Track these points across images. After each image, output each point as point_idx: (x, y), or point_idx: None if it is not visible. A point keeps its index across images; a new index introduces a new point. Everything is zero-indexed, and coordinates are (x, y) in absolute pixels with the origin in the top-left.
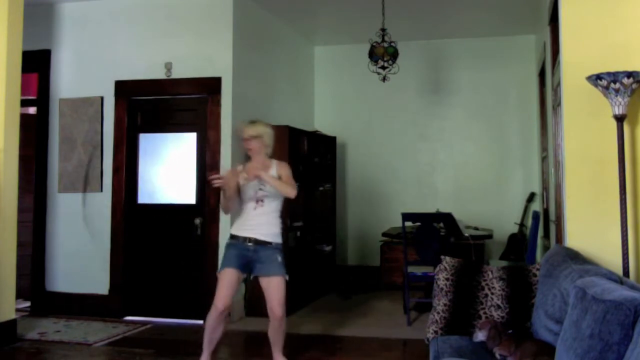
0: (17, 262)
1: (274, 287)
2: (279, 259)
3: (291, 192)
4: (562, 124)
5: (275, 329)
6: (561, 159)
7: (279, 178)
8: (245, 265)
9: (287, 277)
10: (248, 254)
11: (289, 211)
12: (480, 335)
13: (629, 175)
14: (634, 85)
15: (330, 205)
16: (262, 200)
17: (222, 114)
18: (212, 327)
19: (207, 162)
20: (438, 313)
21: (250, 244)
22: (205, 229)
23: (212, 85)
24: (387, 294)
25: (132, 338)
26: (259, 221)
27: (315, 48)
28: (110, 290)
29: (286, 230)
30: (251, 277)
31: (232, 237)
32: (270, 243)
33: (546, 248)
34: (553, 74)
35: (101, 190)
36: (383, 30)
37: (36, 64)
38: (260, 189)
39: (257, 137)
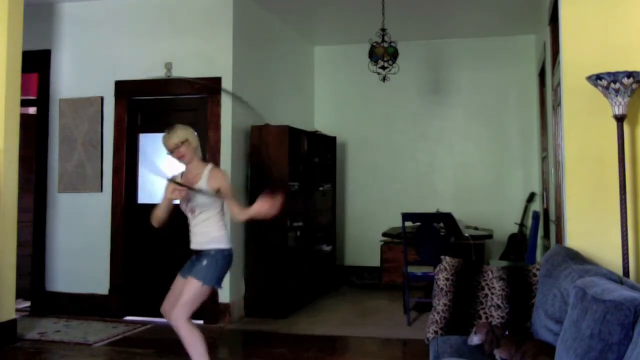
0: (17, 262)
1: (185, 287)
2: (204, 263)
3: (240, 216)
4: (562, 124)
5: (181, 339)
6: (561, 159)
7: (217, 191)
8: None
9: (203, 284)
10: (194, 262)
11: (289, 211)
12: (475, 339)
13: (629, 175)
14: (634, 85)
15: (330, 206)
16: (194, 211)
17: (222, 114)
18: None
19: (206, 161)
20: (438, 313)
21: (194, 255)
22: None
23: (212, 85)
24: (387, 294)
25: (132, 338)
26: (194, 231)
27: (315, 48)
28: (110, 290)
29: (286, 230)
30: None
31: None
32: (201, 252)
33: (546, 248)
34: (553, 74)
35: (101, 190)
36: (383, 30)
37: (36, 64)
38: (190, 201)
39: (183, 142)
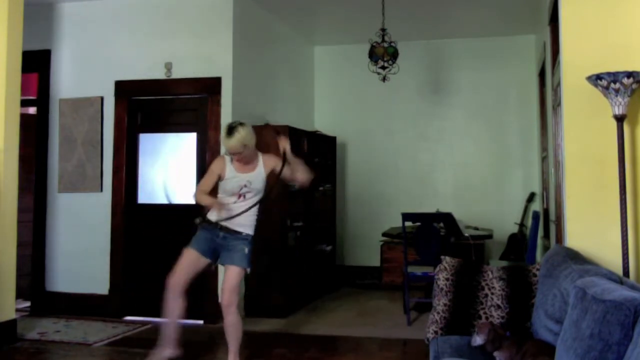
0: (17, 262)
1: (229, 274)
2: (246, 250)
3: (308, 176)
4: (562, 124)
5: (227, 323)
6: (561, 159)
7: (272, 172)
8: (212, 251)
9: (248, 270)
10: (217, 240)
11: (289, 211)
12: (478, 340)
13: (629, 175)
14: (634, 85)
15: (330, 205)
16: (244, 196)
17: (222, 114)
18: (169, 308)
19: (207, 162)
20: (438, 313)
21: (220, 231)
22: None
23: (212, 85)
24: (387, 294)
25: (132, 338)
26: (238, 211)
27: (315, 48)
28: (110, 290)
29: (286, 230)
30: (217, 264)
31: (207, 220)
32: (240, 233)
33: (546, 248)
34: (553, 74)
35: (101, 190)
36: (383, 30)
37: (36, 64)
38: (246, 186)
39: (245, 146)
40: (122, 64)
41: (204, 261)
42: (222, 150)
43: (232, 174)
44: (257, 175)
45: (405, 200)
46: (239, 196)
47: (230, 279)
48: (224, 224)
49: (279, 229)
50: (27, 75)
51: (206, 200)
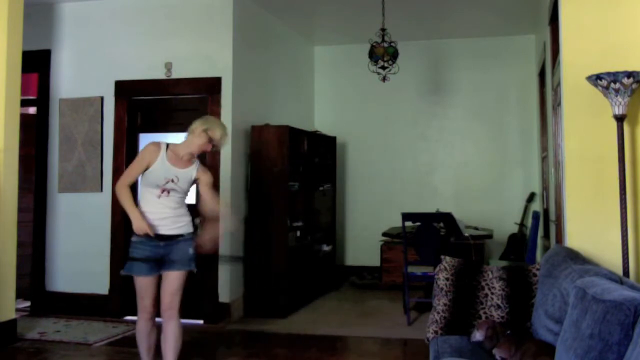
0: (17, 262)
1: (173, 277)
2: (191, 251)
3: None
4: (562, 124)
5: (168, 331)
6: (561, 159)
7: (196, 181)
8: (157, 263)
9: (195, 270)
10: (159, 251)
11: (289, 211)
12: (477, 335)
13: (629, 175)
14: (634, 85)
15: (330, 205)
16: (168, 192)
17: (222, 114)
18: (145, 332)
19: (207, 162)
20: (438, 313)
21: (160, 242)
22: None
23: (212, 85)
24: (387, 294)
25: (132, 338)
26: (166, 213)
27: (315, 48)
28: (110, 290)
29: (286, 230)
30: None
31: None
32: (181, 235)
33: (546, 248)
34: (553, 74)
35: (101, 191)
36: (383, 30)
37: (36, 64)
38: (173, 181)
39: None
40: (122, 64)
41: (157, 279)
42: (222, 150)
43: (161, 165)
44: (187, 173)
45: (405, 200)
46: (163, 191)
47: (174, 281)
48: (162, 232)
49: (279, 229)
50: (27, 75)
51: (129, 208)
